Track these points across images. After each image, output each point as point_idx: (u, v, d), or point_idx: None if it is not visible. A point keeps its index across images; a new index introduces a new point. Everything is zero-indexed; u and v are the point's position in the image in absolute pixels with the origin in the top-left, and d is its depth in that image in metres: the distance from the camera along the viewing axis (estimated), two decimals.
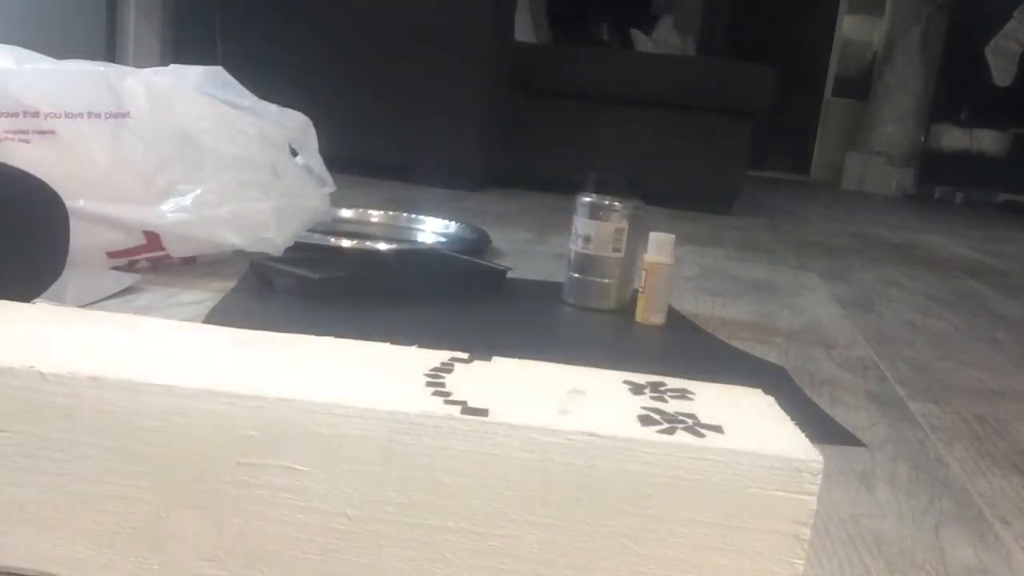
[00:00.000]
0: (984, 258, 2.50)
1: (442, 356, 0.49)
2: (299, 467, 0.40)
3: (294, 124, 1.25)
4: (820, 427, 0.82)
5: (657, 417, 0.42)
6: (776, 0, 5.95)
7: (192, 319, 0.92)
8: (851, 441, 0.79)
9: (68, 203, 0.84)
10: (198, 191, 1.05)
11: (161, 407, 0.40)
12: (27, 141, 0.95)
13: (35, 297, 0.79)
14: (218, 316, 0.94)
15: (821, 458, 0.39)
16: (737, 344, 1.11)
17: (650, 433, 0.40)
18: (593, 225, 1.19)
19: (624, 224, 1.19)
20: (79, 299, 0.88)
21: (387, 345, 0.49)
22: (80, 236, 0.88)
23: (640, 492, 0.39)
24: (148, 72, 1.11)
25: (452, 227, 1.73)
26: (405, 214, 1.79)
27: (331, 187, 1.33)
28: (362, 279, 1.18)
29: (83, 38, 2.82)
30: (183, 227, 1.05)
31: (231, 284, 1.09)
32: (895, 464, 0.75)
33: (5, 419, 0.40)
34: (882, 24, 5.50)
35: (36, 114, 0.96)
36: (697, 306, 1.33)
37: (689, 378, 0.49)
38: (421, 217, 1.78)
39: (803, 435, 0.42)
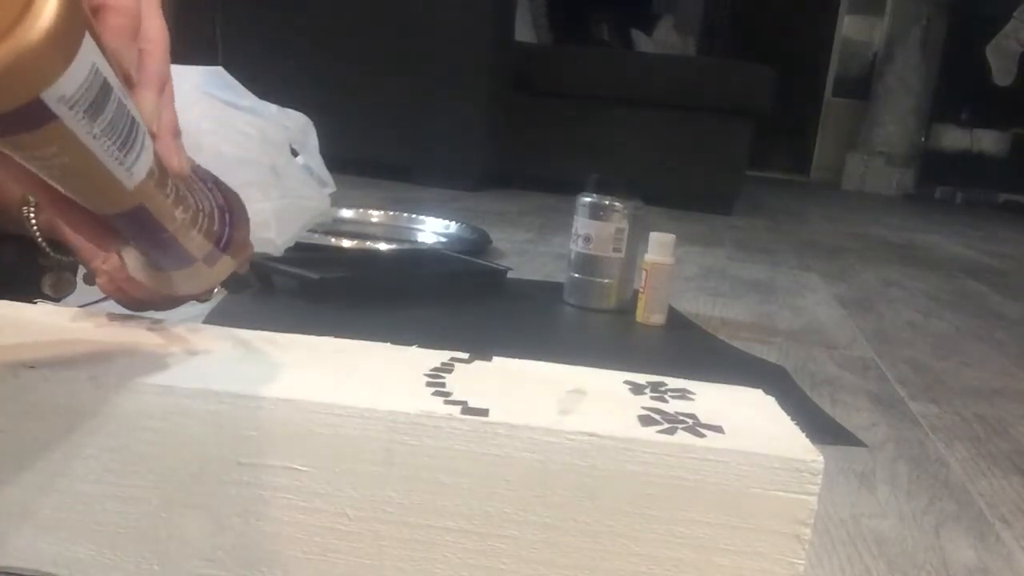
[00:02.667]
0: (984, 258, 2.50)
1: (442, 356, 0.48)
2: (299, 467, 0.40)
3: (294, 124, 1.25)
4: (821, 427, 0.82)
5: (657, 417, 0.42)
6: (776, 0, 5.95)
7: (192, 319, 0.92)
8: (852, 441, 0.79)
9: None
10: None
11: (161, 407, 0.40)
12: None
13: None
14: (218, 316, 0.94)
15: (821, 458, 0.39)
16: (737, 344, 1.11)
17: (650, 433, 0.40)
18: (593, 225, 1.19)
19: (624, 224, 1.19)
20: (79, 299, 0.88)
21: (387, 345, 0.49)
22: None
23: (640, 492, 0.39)
24: None
25: (452, 227, 1.73)
26: (405, 214, 1.79)
27: (331, 187, 1.33)
28: (362, 279, 1.18)
29: None
30: None
31: (242, 274, 1.09)
32: (896, 464, 0.75)
33: (5, 419, 0.40)
34: (882, 24, 5.49)
35: None
36: (697, 306, 1.33)
37: (689, 378, 0.49)
38: (421, 217, 1.78)
39: (803, 435, 0.42)
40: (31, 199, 0.59)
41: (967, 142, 5.02)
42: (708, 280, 1.58)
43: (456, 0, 2.65)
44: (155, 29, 0.35)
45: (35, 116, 0.26)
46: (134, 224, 0.35)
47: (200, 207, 0.40)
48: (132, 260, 0.41)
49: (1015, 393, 1.04)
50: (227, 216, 0.42)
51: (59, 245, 0.61)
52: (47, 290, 0.66)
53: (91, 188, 0.32)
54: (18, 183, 0.33)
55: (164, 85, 0.36)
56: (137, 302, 0.52)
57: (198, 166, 0.41)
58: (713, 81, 2.89)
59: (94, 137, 0.29)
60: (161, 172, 0.35)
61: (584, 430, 0.39)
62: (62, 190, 0.32)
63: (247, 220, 0.43)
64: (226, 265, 0.42)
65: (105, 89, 0.29)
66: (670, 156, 2.87)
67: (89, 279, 0.60)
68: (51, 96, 0.26)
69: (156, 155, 0.34)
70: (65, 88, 0.26)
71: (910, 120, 5.17)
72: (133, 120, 0.32)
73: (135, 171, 0.32)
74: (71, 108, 0.27)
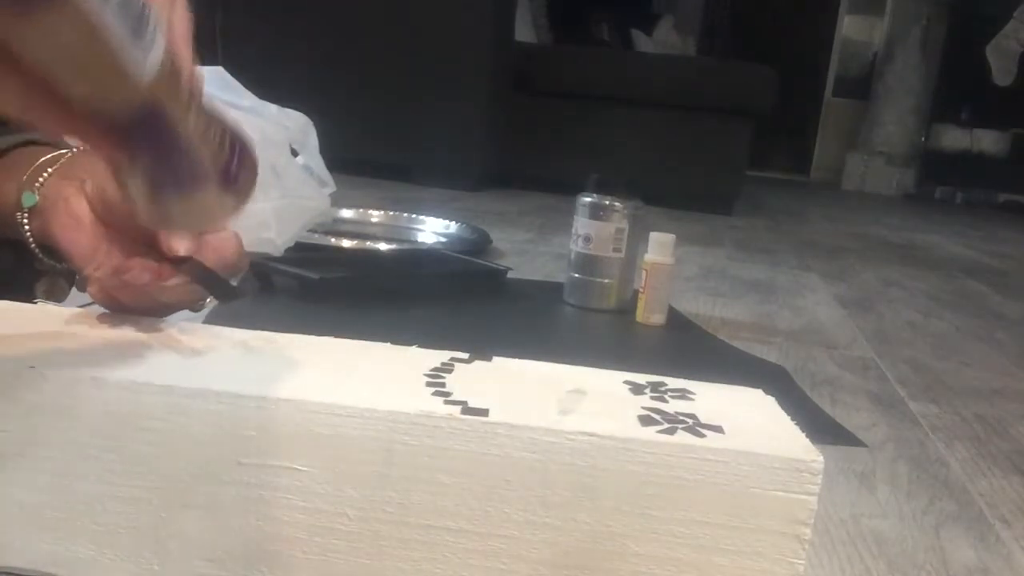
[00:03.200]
0: (984, 258, 2.50)
1: (442, 356, 0.48)
2: (299, 467, 0.40)
3: (294, 124, 1.25)
4: (821, 427, 0.82)
5: (657, 417, 0.42)
6: (776, 0, 5.95)
7: (192, 319, 0.92)
8: (852, 441, 0.79)
9: None
10: None
11: (161, 407, 0.40)
12: None
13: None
14: (218, 316, 0.94)
15: (822, 458, 0.39)
16: (737, 344, 1.11)
17: (650, 433, 0.40)
18: (593, 225, 1.19)
19: (624, 224, 1.19)
20: (79, 299, 0.88)
21: (387, 345, 0.49)
22: None
23: (640, 492, 0.39)
24: None
25: (452, 227, 1.73)
26: (405, 214, 1.79)
27: (331, 187, 1.33)
28: (362, 279, 1.18)
29: None
30: None
31: (231, 284, 1.09)
32: (896, 464, 0.75)
33: (5, 419, 0.40)
34: (882, 24, 5.49)
35: None
36: (697, 306, 1.33)
37: (689, 378, 0.49)
38: (421, 217, 1.78)
39: (803, 435, 0.42)
40: (25, 204, 0.59)
41: (967, 142, 5.02)
42: (708, 280, 1.58)
43: (456, 0, 2.65)
44: None
45: None
46: (146, 128, 0.34)
47: (211, 124, 0.38)
48: (138, 190, 0.40)
49: (1015, 393, 1.04)
50: (237, 146, 0.40)
51: (52, 251, 0.61)
52: (40, 295, 0.66)
53: (102, 75, 0.30)
54: (19, 95, 0.31)
55: None
56: (127, 310, 0.52)
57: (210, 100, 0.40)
58: (713, 81, 2.89)
59: (106, 13, 0.28)
60: (173, 74, 0.33)
61: (584, 430, 0.39)
62: (73, 85, 0.31)
63: (256, 166, 0.42)
64: (236, 199, 0.41)
65: None
66: (670, 156, 2.87)
67: (83, 286, 0.60)
68: None
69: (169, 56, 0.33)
70: None
71: (910, 120, 5.17)
72: (146, 5, 0.30)
73: (149, 61, 0.31)
74: None
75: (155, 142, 0.35)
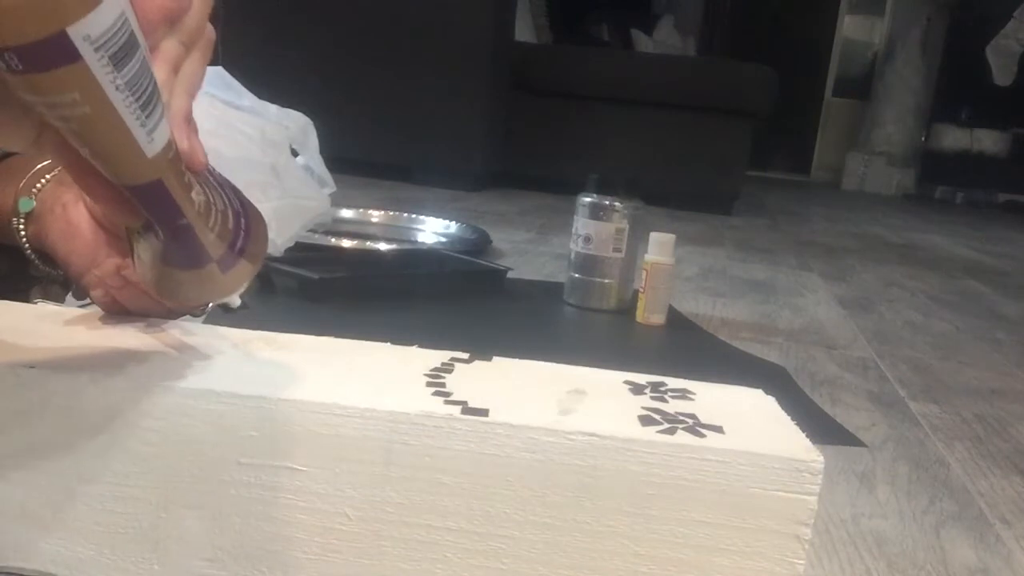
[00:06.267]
0: (984, 258, 2.50)
1: (442, 356, 0.48)
2: (299, 467, 0.40)
3: (294, 124, 1.25)
4: (821, 427, 0.82)
5: (658, 417, 0.42)
6: (776, 0, 5.95)
7: (192, 319, 0.91)
8: (852, 441, 0.79)
9: None
10: None
11: (162, 407, 0.40)
12: None
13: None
14: (218, 316, 0.94)
15: (822, 458, 0.39)
16: (737, 344, 1.11)
17: (650, 433, 0.40)
18: (594, 225, 1.19)
19: (625, 224, 1.19)
20: (79, 299, 0.88)
21: (387, 345, 0.49)
22: None
23: (640, 492, 0.39)
24: None
25: (452, 227, 1.73)
26: (405, 214, 1.79)
27: (331, 187, 1.33)
28: (362, 279, 1.18)
29: None
30: None
31: None
32: (896, 464, 0.75)
33: (5, 419, 0.40)
34: (882, 24, 5.49)
35: None
36: (697, 306, 1.33)
37: (689, 378, 0.49)
38: (421, 217, 1.78)
39: (803, 435, 0.42)
40: (21, 209, 0.58)
41: (967, 142, 5.02)
42: (708, 280, 1.58)
43: (456, 0, 2.65)
44: (194, 17, 0.34)
45: (59, 52, 0.26)
46: (152, 202, 0.34)
47: (214, 203, 0.38)
48: (145, 253, 0.40)
49: (1015, 393, 1.04)
50: (243, 221, 0.40)
51: (48, 258, 0.61)
52: (35, 302, 0.65)
53: (111, 148, 0.31)
54: (57, 152, 0.32)
55: (178, 65, 0.35)
56: (129, 315, 0.52)
57: (217, 172, 0.40)
58: (713, 81, 2.89)
59: (116, 88, 0.28)
60: (177, 153, 0.34)
61: (584, 430, 0.39)
62: (82, 150, 0.31)
63: (265, 236, 0.42)
64: (241, 274, 0.40)
65: (131, 42, 0.28)
66: (670, 156, 2.87)
67: (79, 294, 0.60)
68: (77, 33, 0.26)
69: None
70: (92, 28, 0.26)
71: (910, 120, 5.17)
72: (155, 84, 0.31)
73: (155, 137, 0.31)
74: (96, 50, 0.27)
75: (160, 219, 0.36)
